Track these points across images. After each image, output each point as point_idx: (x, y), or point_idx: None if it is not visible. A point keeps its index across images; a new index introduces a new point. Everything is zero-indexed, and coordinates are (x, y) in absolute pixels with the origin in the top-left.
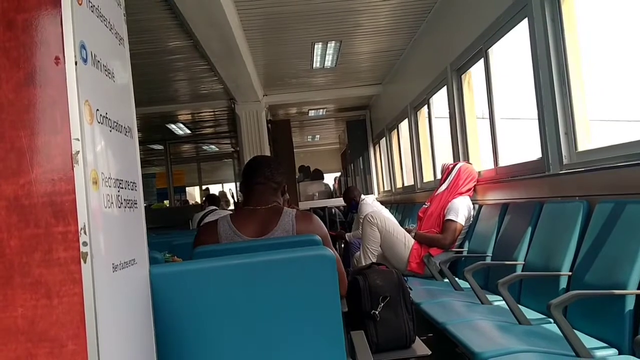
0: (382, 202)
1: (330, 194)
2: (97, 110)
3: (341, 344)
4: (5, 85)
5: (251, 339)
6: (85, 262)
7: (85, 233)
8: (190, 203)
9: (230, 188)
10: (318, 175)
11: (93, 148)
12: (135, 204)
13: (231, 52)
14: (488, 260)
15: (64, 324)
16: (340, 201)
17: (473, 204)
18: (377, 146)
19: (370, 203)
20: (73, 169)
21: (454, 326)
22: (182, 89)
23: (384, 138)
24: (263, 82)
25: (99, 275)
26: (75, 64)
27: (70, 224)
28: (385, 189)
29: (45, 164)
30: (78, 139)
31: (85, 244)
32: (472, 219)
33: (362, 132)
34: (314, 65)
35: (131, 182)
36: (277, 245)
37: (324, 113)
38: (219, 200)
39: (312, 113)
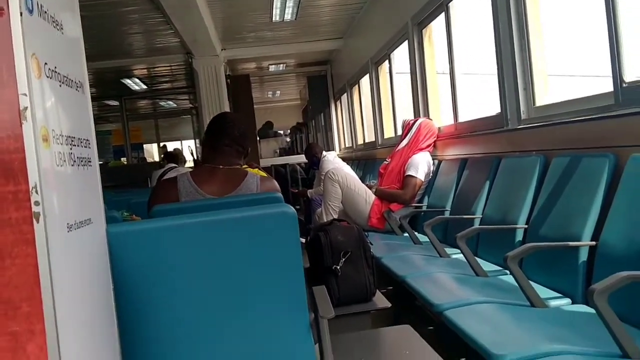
0: (343, 159)
1: (289, 151)
2: (46, 64)
3: (303, 299)
4: None
5: (213, 297)
6: (37, 222)
7: (37, 192)
8: (148, 161)
9: (189, 145)
10: (269, 128)
11: (42, 104)
12: (90, 161)
13: (187, 3)
14: (447, 214)
15: (17, 285)
16: (301, 158)
17: (433, 159)
18: (338, 102)
19: (332, 160)
20: (22, 126)
21: (414, 279)
22: (137, 42)
23: (345, 94)
24: (221, 35)
25: (53, 235)
26: (21, 14)
27: (20, 183)
28: (347, 145)
29: None
30: (26, 94)
31: (37, 203)
32: (431, 175)
33: (323, 87)
34: (273, 19)
35: (84, 139)
36: (239, 203)
37: (284, 68)
38: (178, 158)
39: (272, 68)
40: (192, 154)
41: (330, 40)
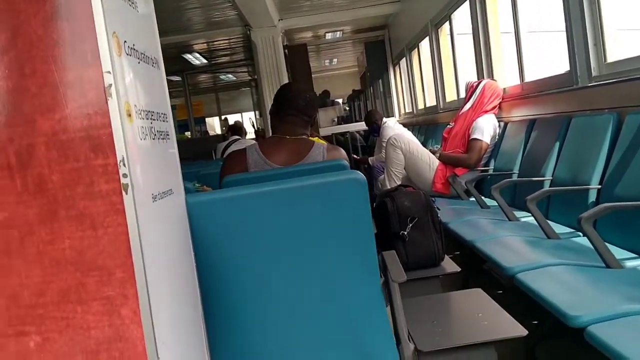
0: (404, 125)
1: (347, 119)
2: (125, 42)
3: (375, 264)
4: (33, 20)
5: (287, 264)
6: (126, 193)
7: (124, 165)
8: (211, 134)
9: (250, 117)
10: (326, 97)
11: (124, 80)
12: (168, 135)
13: None
14: (515, 177)
15: (110, 253)
16: (360, 125)
17: (498, 121)
18: (397, 67)
19: (392, 126)
20: (107, 102)
21: (483, 243)
22: (196, 17)
23: (404, 58)
24: (278, 6)
25: (140, 205)
26: None
27: (109, 157)
28: (407, 110)
29: (79, 99)
30: (109, 72)
31: (125, 175)
32: (497, 137)
33: (380, 53)
34: None
35: (162, 113)
36: (307, 172)
37: (341, 35)
38: (241, 130)
39: (329, 36)
40: (252, 125)
41: (388, 4)
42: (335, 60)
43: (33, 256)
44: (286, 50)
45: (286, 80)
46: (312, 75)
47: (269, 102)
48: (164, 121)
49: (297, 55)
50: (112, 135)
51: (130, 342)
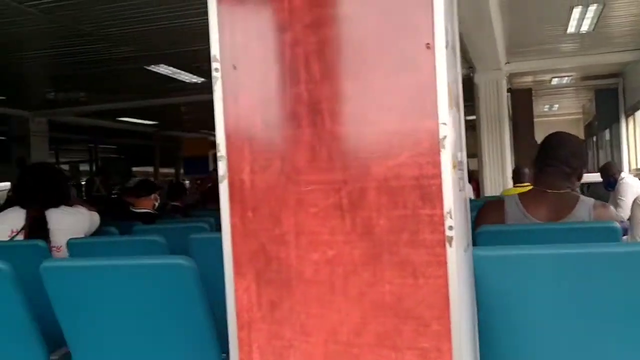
0: None
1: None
2: (454, 94)
3: None
4: (377, 71)
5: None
6: (450, 245)
7: (450, 217)
8: None
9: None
10: None
11: (453, 132)
12: (464, 184)
13: (481, 19)
14: None
15: (429, 304)
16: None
17: None
18: (630, 118)
19: (631, 183)
20: (440, 153)
21: None
22: None
23: None
24: (507, 49)
25: (458, 257)
26: (445, 48)
27: (436, 207)
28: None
29: (414, 148)
30: (445, 124)
31: (450, 227)
32: None
33: (612, 102)
34: (568, 30)
35: (463, 162)
36: (571, 230)
37: (569, 81)
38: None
39: (555, 81)
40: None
41: (626, 52)
42: (556, 105)
43: (355, 296)
44: (509, 94)
45: (507, 125)
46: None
47: (487, 145)
48: (462, 170)
49: (520, 100)
50: (441, 186)
51: None
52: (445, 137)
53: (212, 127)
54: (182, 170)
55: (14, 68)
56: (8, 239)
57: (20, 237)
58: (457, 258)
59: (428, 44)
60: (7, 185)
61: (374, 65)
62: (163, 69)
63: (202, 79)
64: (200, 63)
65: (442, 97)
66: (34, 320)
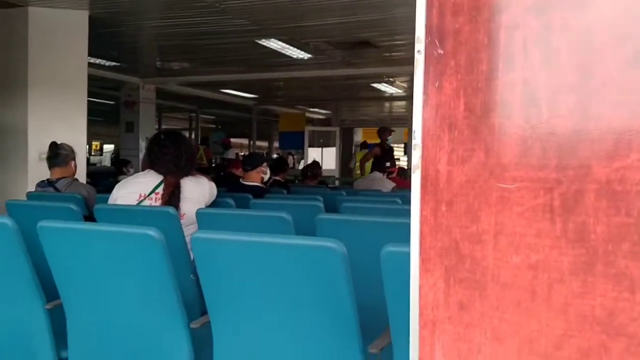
0: None
1: None
2: None
3: None
4: (607, 62)
5: None
6: None
7: None
8: None
9: None
10: None
11: None
12: None
13: None
14: None
15: None
16: None
17: None
18: None
19: None
20: None
21: None
22: None
23: None
24: None
25: None
26: None
27: None
28: None
29: None
30: None
31: None
32: None
33: None
34: None
35: None
36: None
37: None
38: None
39: None
40: None
41: None
42: None
43: (559, 305)
44: None
45: None
46: None
47: None
48: None
49: None
50: None
51: None
52: None
53: (309, 103)
54: (275, 144)
55: (129, 37)
56: (135, 203)
57: (148, 202)
58: None
59: None
60: (111, 147)
61: (604, 56)
62: (273, 44)
63: (309, 55)
64: (309, 39)
65: None
66: (177, 289)
